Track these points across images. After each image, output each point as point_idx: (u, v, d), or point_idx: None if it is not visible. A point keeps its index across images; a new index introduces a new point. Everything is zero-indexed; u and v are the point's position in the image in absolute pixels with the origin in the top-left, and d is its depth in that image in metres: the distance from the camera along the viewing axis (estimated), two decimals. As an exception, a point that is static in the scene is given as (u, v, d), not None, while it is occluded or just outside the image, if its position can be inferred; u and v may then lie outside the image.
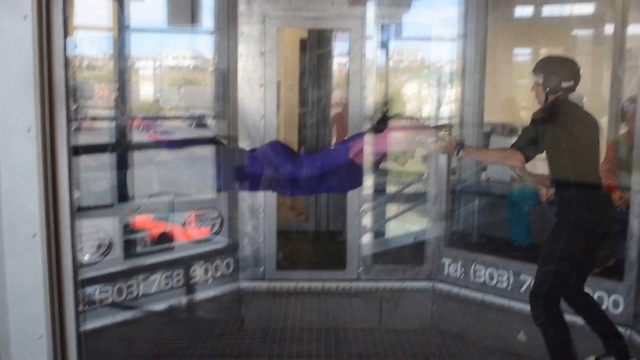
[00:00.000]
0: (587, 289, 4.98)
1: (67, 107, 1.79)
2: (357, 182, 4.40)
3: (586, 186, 3.98)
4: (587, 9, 7.11)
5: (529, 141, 3.87)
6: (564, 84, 3.97)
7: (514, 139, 4.02)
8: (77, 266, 1.98)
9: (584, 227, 3.92)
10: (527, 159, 3.87)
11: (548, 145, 3.93)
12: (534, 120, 4.00)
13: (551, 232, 4.07)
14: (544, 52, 7.72)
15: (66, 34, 1.78)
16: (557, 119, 3.94)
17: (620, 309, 4.86)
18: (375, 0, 5.51)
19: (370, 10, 5.49)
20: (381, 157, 4.29)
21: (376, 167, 4.57)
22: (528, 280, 5.25)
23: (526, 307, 5.23)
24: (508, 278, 5.39)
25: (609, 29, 6.39)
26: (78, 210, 4.74)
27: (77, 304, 2.02)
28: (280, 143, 4.63)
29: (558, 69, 4.03)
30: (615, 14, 6.00)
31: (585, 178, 3.99)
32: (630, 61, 5.91)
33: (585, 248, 3.99)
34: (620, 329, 4.78)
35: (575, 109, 4.11)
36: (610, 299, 4.91)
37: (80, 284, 4.41)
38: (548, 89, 4.00)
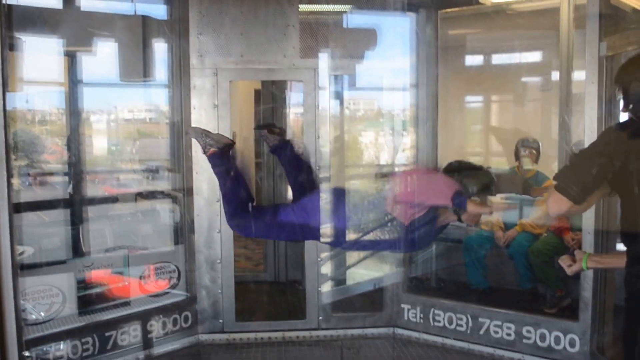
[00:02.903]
0: (544, 330, 5.08)
1: (8, 167, 1.78)
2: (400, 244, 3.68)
3: None
4: (535, 57, 7.34)
5: (579, 176, 2.74)
6: None
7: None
8: (21, 327, 1.93)
9: None
10: (577, 201, 2.73)
11: (614, 184, 2.84)
12: (593, 147, 2.93)
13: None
14: (494, 99, 7.94)
15: (5, 95, 1.78)
16: (628, 149, 2.75)
17: (577, 348, 4.92)
18: (328, 52, 5.61)
19: (323, 62, 5.58)
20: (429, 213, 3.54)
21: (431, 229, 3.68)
22: (487, 323, 5.30)
23: (485, 349, 5.29)
24: (467, 321, 5.42)
25: (555, 75, 6.59)
26: (30, 268, 4.67)
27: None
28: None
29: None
30: (561, 62, 6.20)
31: None
32: (576, 106, 6.08)
33: None
34: (578, 369, 4.87)
35: None
36: (567, 339, 4.97)
37: (29, 344, 4.30)
38: (628, 106, 2.85)
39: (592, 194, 2.79)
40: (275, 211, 3.98)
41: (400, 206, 3.50)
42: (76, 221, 5.16)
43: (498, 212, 3.40)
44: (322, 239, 3.86)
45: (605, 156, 2.74)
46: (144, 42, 5.22)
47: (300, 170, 4.40)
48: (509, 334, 5.22)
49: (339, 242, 3.90)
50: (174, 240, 5.66)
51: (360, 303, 6.08)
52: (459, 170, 3.57)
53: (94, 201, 5.39)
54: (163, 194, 5.75)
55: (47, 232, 5.24)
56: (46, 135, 5.57)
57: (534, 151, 6.06)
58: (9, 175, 1.77)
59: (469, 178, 3.49)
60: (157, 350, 5.34)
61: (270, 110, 7.15)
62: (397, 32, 6.24)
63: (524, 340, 5.16)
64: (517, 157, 6.10)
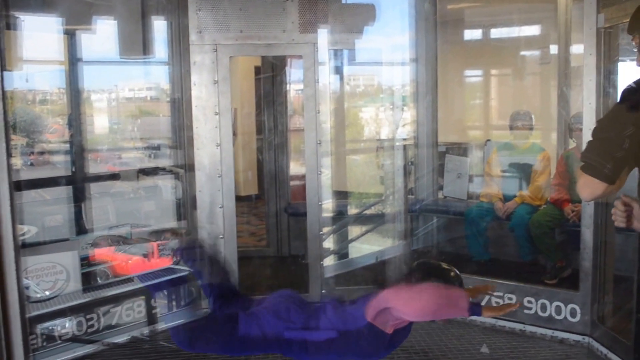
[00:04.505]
0: (545, 301, 5.13)
1: (7, 142, 1.78)
2: (379, 353, 3.35)
3: None
4: (533, 30, 7.32)
5: (611, 152, 2.23)
6: None
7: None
8: (23, 304, 1.93)
9: None
10: (611, 180, 2.23)
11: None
12: (615, 117, 2.35)
13: None
14: (494, 72, 7.93)
15: (3, 68, 1.78)
16: None
17: (578, 317, 4.97)
18: (327, 27, 5.60)
19: (322, 37, 5.57)
20: (407, 327, 3.30)
21: (399, 338, 3.37)
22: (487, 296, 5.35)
23: (487, 320, 5.34)
24: (468, 293, 5.45)
25: (553, 49, 6.59)
26: (34, 246, 4.71)
27: (26, 343, 1.96)
28: (286, 300, 3.63)
29: None
30: (559, 35, 6.19)
31: None
32: (575, 79, 6.09)
33: None
34: (578, 338, 4.92)
35: None
36: (568, 309, 5.01)
37: (31, 321, 4.33)
38: None
39: (623, 170, 2.27)
40: (231, 322, 3.46)
41: (383, 316, 3.17)
42: (79, 199, 5.20)
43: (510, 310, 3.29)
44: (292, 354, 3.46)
45: (633, 124, 2.23)
46: (143, 19, 5.21)
47: (223, 273, 3.95)
48: (510, 305, 5.26)
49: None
50: (176, 217, 5.69)
51: (362, 276, 6.12)
52: (428, 272, 3.43)
53: (96, 179, 5.43)
54: (165, 171, 5.78)
55: (50, 210, 5.28)
56: (47, 114, 5.59)
57: (526, 124, 6.07)
58: (9, 153, 1.78)
59: (439, 280, 3.36)
60: (162, 325, 5.39)
61: (270, 86, 7.14)
62: (396, 6, 6.24)
63: (525, 311, 5.20)
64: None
